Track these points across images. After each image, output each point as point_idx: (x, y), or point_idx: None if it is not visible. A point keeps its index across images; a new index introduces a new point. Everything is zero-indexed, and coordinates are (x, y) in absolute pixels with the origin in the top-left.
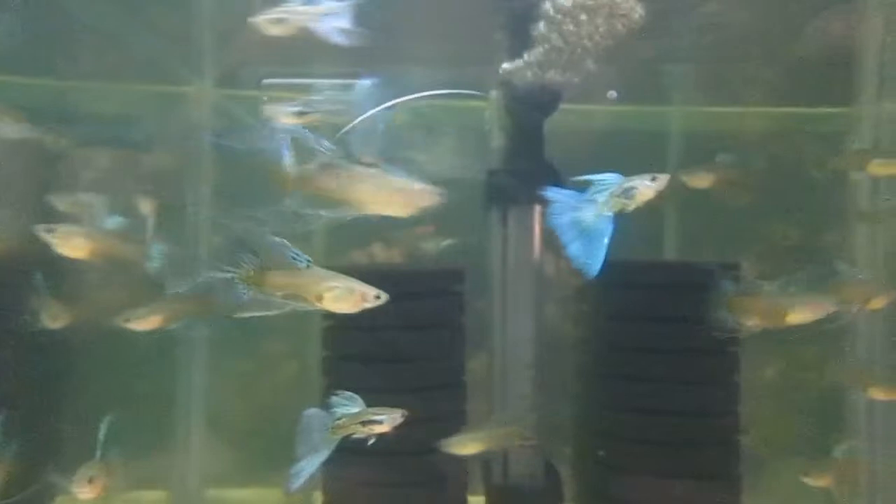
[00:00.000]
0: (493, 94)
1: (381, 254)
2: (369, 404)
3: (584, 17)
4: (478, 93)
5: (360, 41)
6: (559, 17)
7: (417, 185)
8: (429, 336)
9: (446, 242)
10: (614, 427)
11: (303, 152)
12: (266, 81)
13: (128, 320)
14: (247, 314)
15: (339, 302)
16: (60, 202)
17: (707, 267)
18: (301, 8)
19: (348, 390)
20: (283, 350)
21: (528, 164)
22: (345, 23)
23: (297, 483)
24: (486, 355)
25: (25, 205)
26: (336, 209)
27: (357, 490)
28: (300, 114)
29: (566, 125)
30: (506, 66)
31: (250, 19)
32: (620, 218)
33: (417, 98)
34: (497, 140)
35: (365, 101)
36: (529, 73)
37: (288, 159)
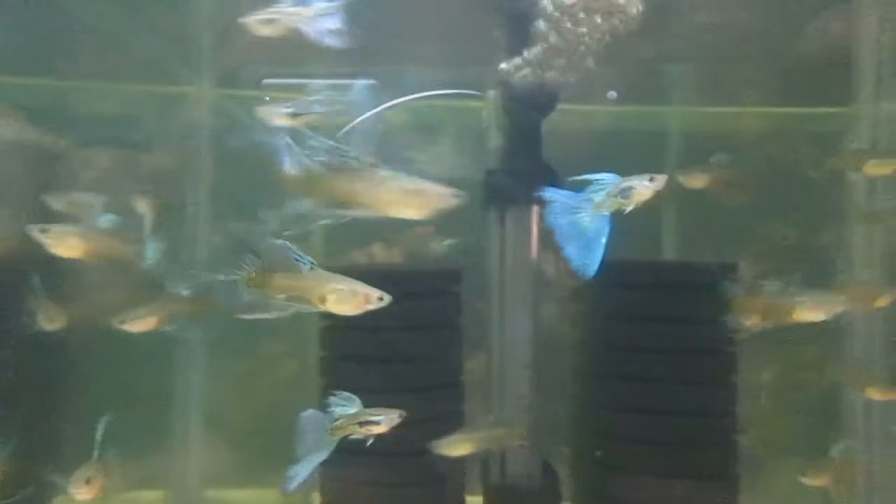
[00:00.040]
0: (491, 93)
1: (381, 254)
2: (367, 404)
3: (582, 14)
4: (476, 92)
5: (350, 42)
6: (557, 14)
7: (435, 187)
8: (426, 336)
9: (448, 242)
10: (612, 427)
11: (316, 156)
12: (266, 81)
13: (123, 322)
14: (251, 316)
15: (342, 304)
16: (56, 202)
17: (704, 267)
18: (292, 9)
19: (346, 390)
20: (283, 349)
21: (525, 164)
22: (336, 23)
23: (294, 484)
24: (484, 355)
25: (24, 205)
26: (353, 211)
27: (355, 490)
28: (293, 115)
29: (565, 125)
30: (504, 65)
31: (241, 19)
32: (618, 218)
33: (416, 99)
34: (495, 140)
35: (359, 102)
36: (528, 72)
37: (305, 164)
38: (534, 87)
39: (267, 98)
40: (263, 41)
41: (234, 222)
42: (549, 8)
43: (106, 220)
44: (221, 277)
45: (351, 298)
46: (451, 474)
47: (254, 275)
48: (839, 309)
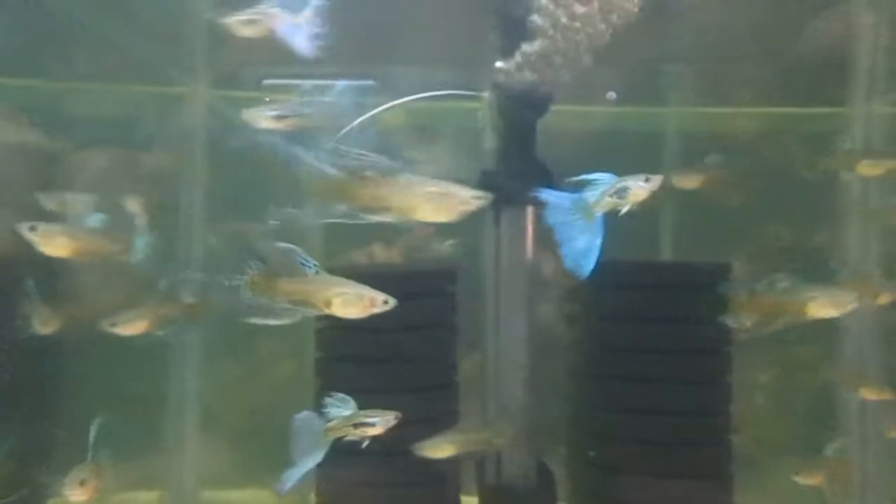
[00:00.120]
0: (486, 94)
1: (381, 254)
2: (362, 405)
3: (579, 8)
4: (471, 93)
5: (336, 44)
6: (552, 7)
7: (460, 190)
8: (422, 336)
9: (449, 243)
10: (607, 427)
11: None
12: (266, 82)
13: (114, 325)
14: (260, 321)
15: (347, 307)
16: (48, 201)
17: (699, 267)
18: (273, 10)
19: (341, 391)
20: (280, 350)
21: (520, 165)
22: (317, 25)
23: (288, 486)
24: (479, 355)
25: (19, 206)
26: (380, 216)
27: (350, 490)
28: (279, 118)
29: (563, 125)
30: (500, 63)
31: (223, 20)
32: (615, 218)
33: (412, 100)
34: (490, 140)
35: (345, 104)
36: (525, 69)
37: (332, 170)
38: (529, 88)
39: (267, 99)
40: (263, 41)
41: (232, 224)
42: (545, 2)
43: (95, 220)
44: (225, 281)
45: (356, 302)
46: (447, 474)
47: (258, 279)
48: (852, 305)
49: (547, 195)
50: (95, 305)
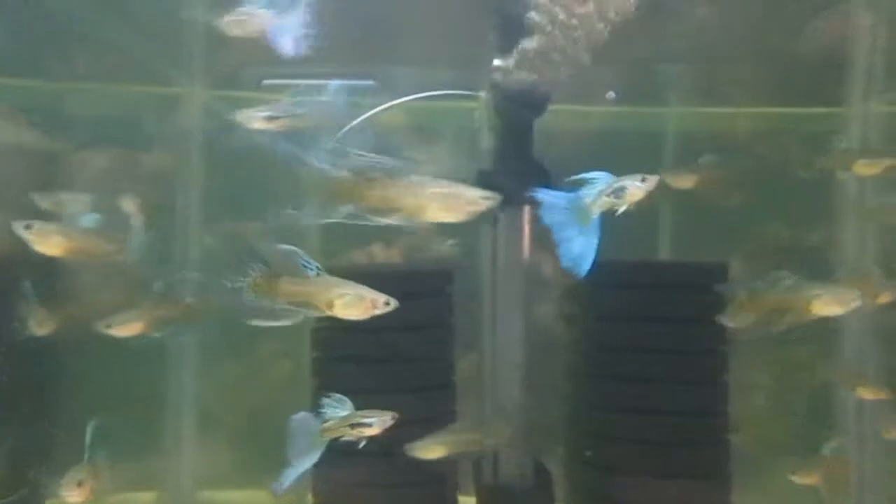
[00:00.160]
0: (483, 93)
1: (380, 254)
2: (358, 405)
3: (577, 7)
4: (468, 92)
5: (320, 45)
6: (549, 4)
7: (469, 190)
8: (418, 336)
9: (449, 243)
10: (604, 427)
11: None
12: (266, 82)
13: (109, 326)
14: (262, 324)
15: (349, 309)
16: (43, 201)
17: (696, 266)
18: (261, 11)
19: (338, 391)
20: (277, 350)
21: (517, 165)
22: (302, 27)
23: (284, 486)
24: (476, 355)
25: (18, 207)
26: (388, 217)
27: (347, 491)
28: (270, 118)
29: (561, 125)
30: (497, 61)
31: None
32: (613, 218)
33: (408, 101)
34: (487, 140)
35: (338, 104)
36: (522, 67)
37: (338, 170)
38: (526, 87)
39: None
40: (263, 42)
41: (229, 224)
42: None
43: (90, 219)
44: (227, 283)
45: (358, 303)
46: (444, 474)
47: (261, 281)
48: (856, 302)
49: (544, 195)
50: (93, 306)
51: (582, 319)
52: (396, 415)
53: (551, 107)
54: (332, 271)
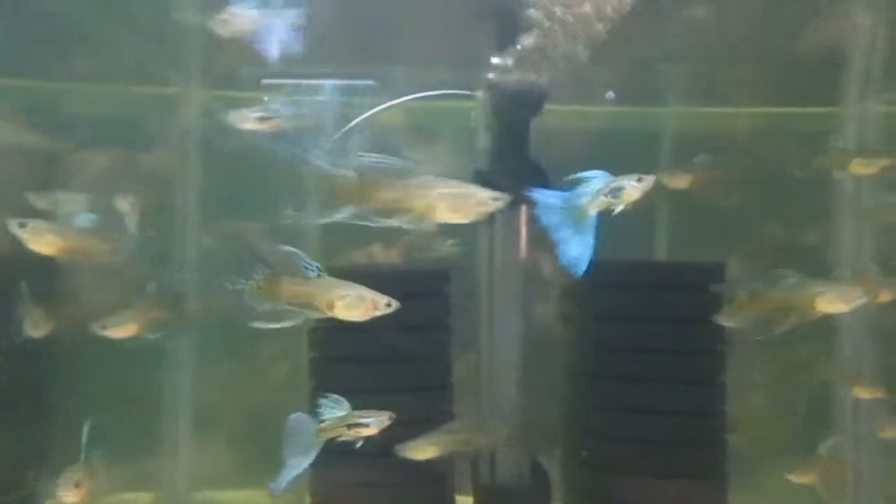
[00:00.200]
0: (480, 93)
1: (380, 254)
2: (356, 405)
3: (575, 7)
4: (465, 92)
5: (316, 46)
6: (547, 2)
7: (477, 191)
8: (415, 336)
9: (449, 243)
10: (602, 427)
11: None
12: (265, 82)
13: (104, 327)
14: (264, 325)
15: (350, 310)
16: (39, 201)
17: (693, 266)
18: (249, 11)
19: (335, 391)
20: (275, 351)
21: (514, 164)
22: (295, 25)
23: (282, 487)
24: (473, 355)
25: (17, 207)
26: (396, 218)
27: (344, 491)
28: (262, 119)
29: (558, 124)
30: (495, 59)
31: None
32: (610, 217)
33: (406, 101)
34: (484, 139)
35: (331, 104)
36: (520, 66)
37: (348, 170)
38: (523, 87)
39: (265, 98)
40: (253, 43)
41: (227, 224)
42: None
43: (85, 219)
44: (228, 285)
45: (359, 304)
46: (441, 474)
47: (263, 283)
48: (860, 299)
49: (540, 195)
50: (90, 307)
51: (579, 319)
52: (394, 415)
53: (548, 106)
54: (329, 271)
